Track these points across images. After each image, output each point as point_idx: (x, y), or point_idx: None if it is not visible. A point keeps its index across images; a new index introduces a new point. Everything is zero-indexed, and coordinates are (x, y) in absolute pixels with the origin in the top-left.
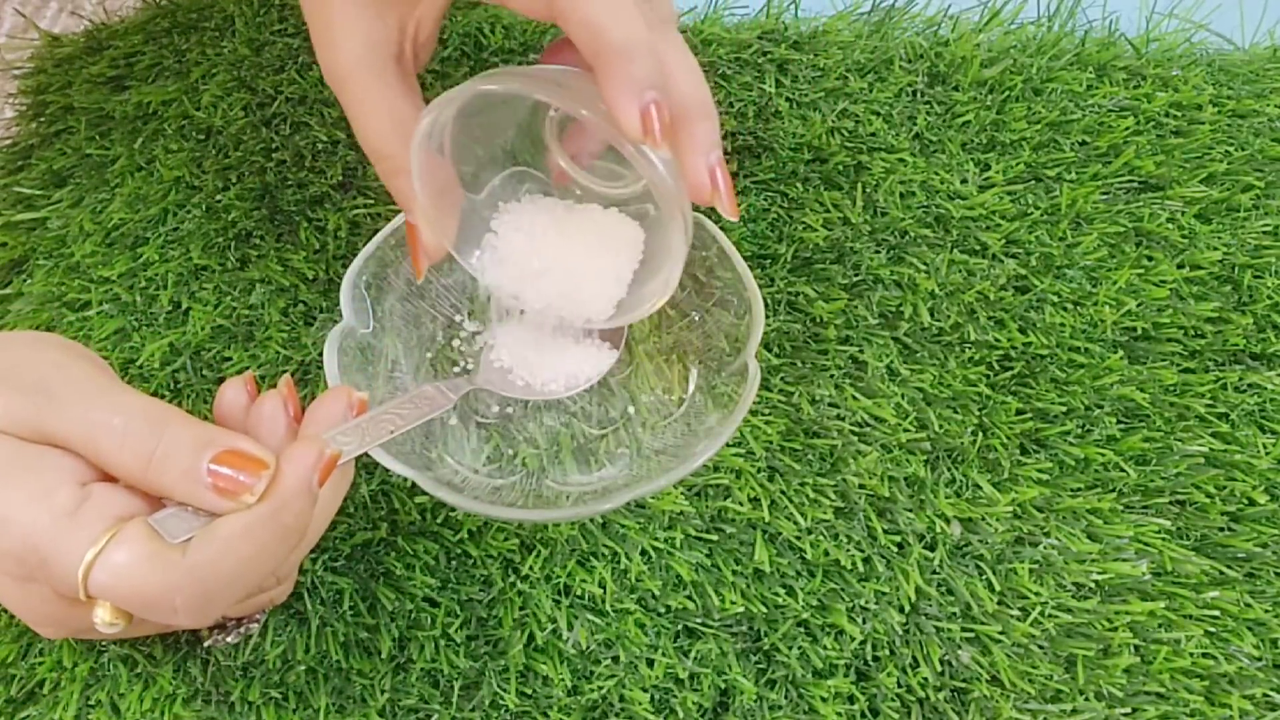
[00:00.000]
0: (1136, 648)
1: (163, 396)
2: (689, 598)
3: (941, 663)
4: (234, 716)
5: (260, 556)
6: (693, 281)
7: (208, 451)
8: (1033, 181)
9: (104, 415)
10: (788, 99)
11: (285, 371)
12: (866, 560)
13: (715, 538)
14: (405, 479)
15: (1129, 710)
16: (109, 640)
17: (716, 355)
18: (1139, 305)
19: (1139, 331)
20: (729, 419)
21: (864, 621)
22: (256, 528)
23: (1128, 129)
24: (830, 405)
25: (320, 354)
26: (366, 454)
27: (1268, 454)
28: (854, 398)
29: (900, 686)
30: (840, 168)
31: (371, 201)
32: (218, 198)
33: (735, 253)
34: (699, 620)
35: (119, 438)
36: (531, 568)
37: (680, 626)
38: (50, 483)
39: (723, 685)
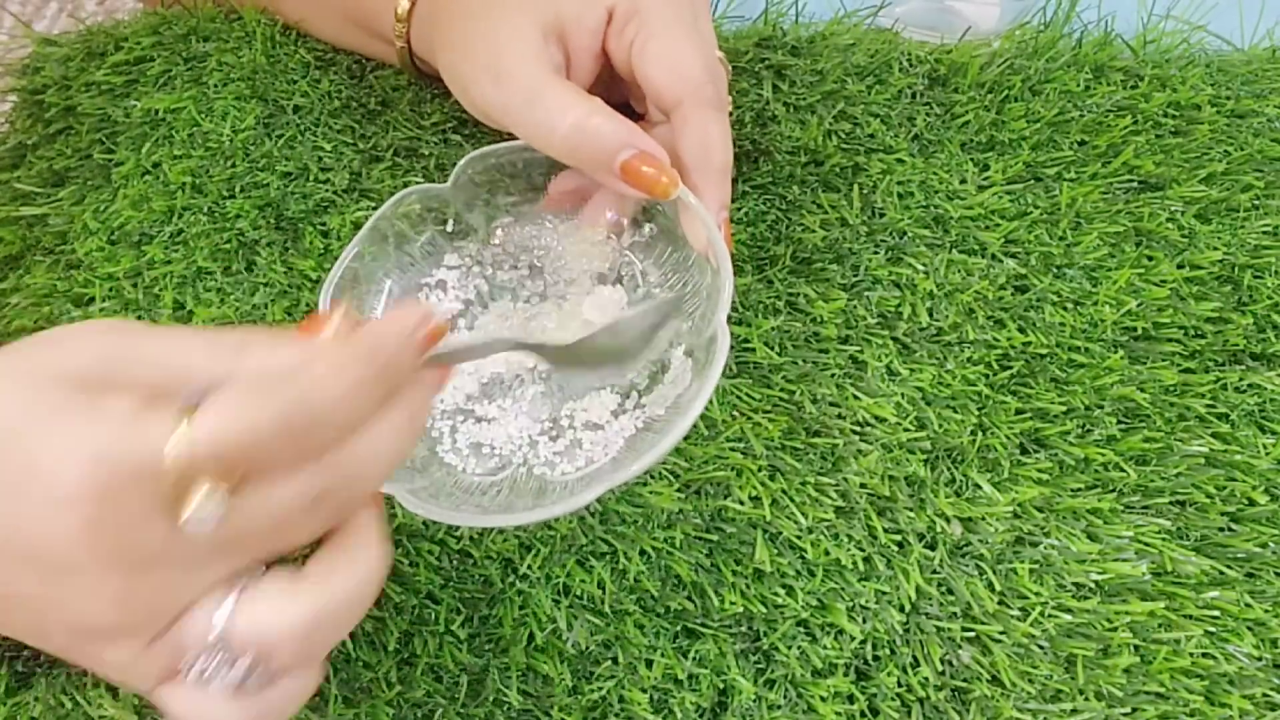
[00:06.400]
0: (1136, 648)
1: None
2: (688, 598)
3: (942, 662)
4: None
5: (357, 390)
6: (673, 245)
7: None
8: (1032, 181)
9: (187, 338)
10: (785, 104)
11: None
12: (867, 559)
13: (715, 537)
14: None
15: (1129, 710)
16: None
17: (701, 318)
18: (1139, 305)
19: (1139, 331)
20: (703, 387)
21: (864, 621)
22: (354, 356)
23: (1126, 129)
24: (831, 404)
25: None
26: None
27: (1268, 454)
28: (854, 397)
29: (900, 686)
30: (837, 169)
31: (375, 204)
32: (224, 205)
33: (705, 212)
34: (698, 620)
35: (205, 348)
36: (530, 567)
37: (679, 627)
38: (104, 406)
39: (721, 685)
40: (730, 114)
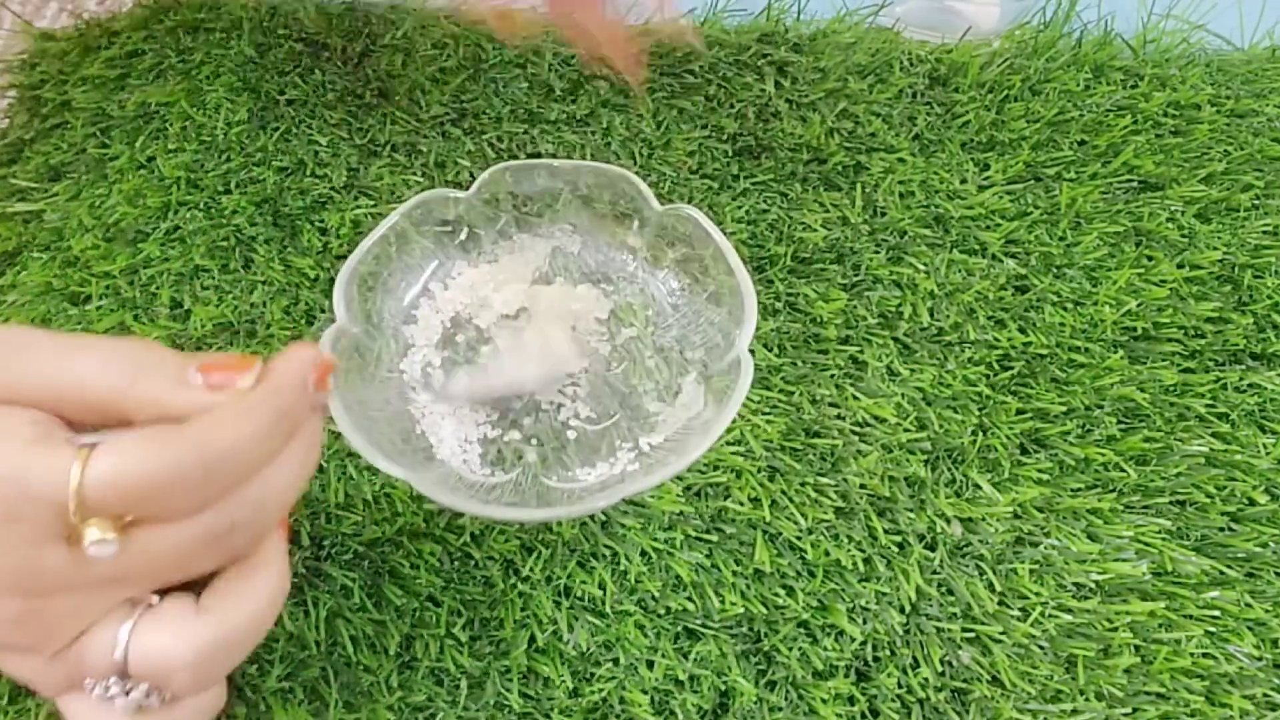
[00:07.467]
0: (1137, 648)
1: None
2: (689, 599)
3: (942, 663)
4: (244, 703)
5: (257, 438)
6: (689, 278)
7: (194, 362)
8: (1032, 181)
9: (81, 352)
10: (787, 100)
11: None
12: (867, 560)
13: (715, 538)
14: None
15: (1129, 710)
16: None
17: (713, 349)
18: (1139, 305)
19: (1139, 331)
20: (723, 412)
21: (864, 622)
22: (255, 404)
23: (1125, 128)
24: (831, 405)
25: None
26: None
27: (1268, 454)
28: (854, 397)
29: (901, 687)
30: (839, 168)
31: (374, 201)
32: (220, 201)
33: (730, 248)
34: (699, 622)
35: (99, 365)
36: (532, 569)
37: (680, 628)
38: (13, 424)
39: (722, 687)
40: (733, 108)
